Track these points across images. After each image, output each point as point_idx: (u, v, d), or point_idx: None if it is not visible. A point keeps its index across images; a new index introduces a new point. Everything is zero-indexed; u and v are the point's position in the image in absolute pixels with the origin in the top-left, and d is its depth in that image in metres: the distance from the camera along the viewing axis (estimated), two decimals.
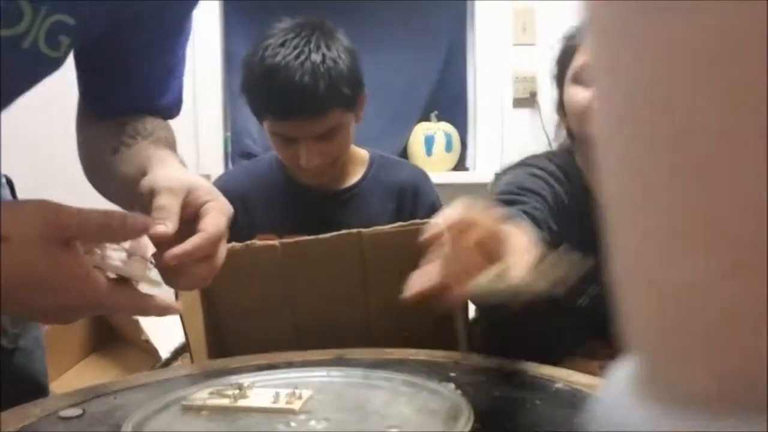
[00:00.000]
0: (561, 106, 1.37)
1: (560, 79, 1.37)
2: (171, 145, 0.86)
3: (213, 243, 0.71)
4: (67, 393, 0.83)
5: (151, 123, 0.87)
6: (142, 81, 0.87)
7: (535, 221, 1.16)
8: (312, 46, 1.29)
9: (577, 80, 1.32)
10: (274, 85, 1.28)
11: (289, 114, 1.30)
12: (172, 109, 0.92)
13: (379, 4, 2.65)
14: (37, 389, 0.94)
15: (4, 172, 0.98)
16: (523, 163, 1.33)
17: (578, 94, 1.31)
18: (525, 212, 1.16)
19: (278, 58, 1.28)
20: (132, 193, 0.75)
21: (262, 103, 1.33)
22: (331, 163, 1.38)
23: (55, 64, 0.75)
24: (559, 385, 0.78)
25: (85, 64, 0.86)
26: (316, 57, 1.28)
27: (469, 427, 0.63)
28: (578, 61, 1.31)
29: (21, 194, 0.97)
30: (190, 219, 0.72)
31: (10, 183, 0.98)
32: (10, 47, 0.69)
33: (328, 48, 1.30)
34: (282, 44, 1.29)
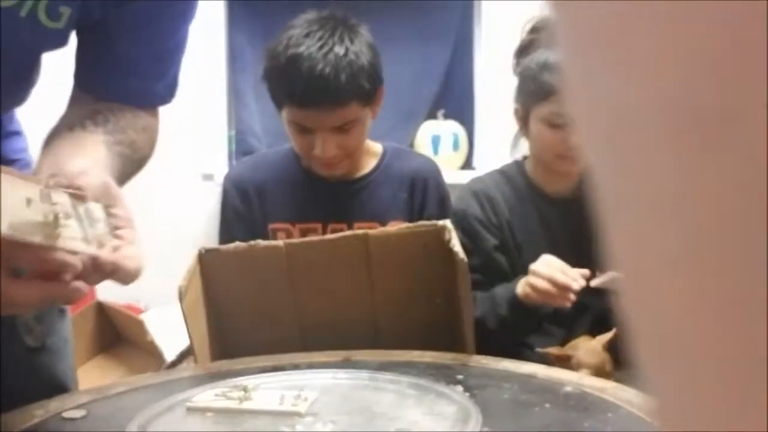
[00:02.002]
0: (525, 126, 1.51)
1: (524, 105, 1.50)
2: (135, 150, 0.83)
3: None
4: (71, 394, 0.83)
5: (128, 119, 0.84)
6: (133, 65, 0.85)
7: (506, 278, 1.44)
8: (336, 38, 1.31)
9: (546, 122, 1.45)
10: (296, 73, 1.30)
11: (309, 103, 1.32)
12: (165, 96, 0.90)
13: (386, 2, 2.64)
14: (62, 391, 0.92)
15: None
16: (456, 214, 1.48)
17: (547, 136, 1.45)
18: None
19: (302, 48, 1.30)
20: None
21: (284, 90, 1.35)
22: (346, 156, 1.39)
23: (58, 36, 0.75)
24: (568, 388, 0.77)
25: (80, 46, 0.85)
26: (339, 49, 1.30)
27: (477, 430, 0.62)
28: (548, 107, 1.42)
29: None
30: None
31: None
32: (8, 17, 0.70)
33: (351, 42, 1.32)
34: (306, 35, 1.31)
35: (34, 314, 0.92)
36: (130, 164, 0.83)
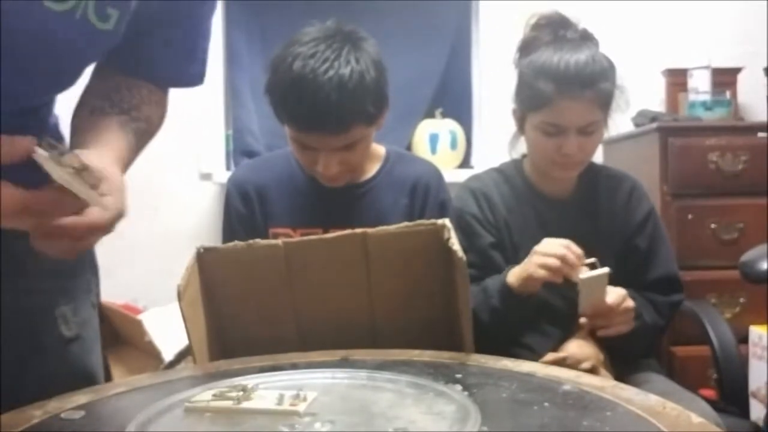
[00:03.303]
0: (522, 124, 1.53)
1: (520, 108, 1.52)
2: (150, 123, 0.93)
3: (87, 228, 0.72)
4: (69, 394, 0.83)
5: (143, 96, 0.92)
6: (169, 48, 0.93)
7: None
8: (342, 60, 1.28)
9: (540, 130, 1.46)
10: (299, 98, 1.28)
11: (311, 128, 1.31)
12: (197, 78, 0.99)
13: (384, 2, 2.64)
14: (91, 382, 0.94)
15: None
16: (458, 214, 1.51)
17: (541, 143, 1.47)
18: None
19: (307, 70, 1.27)
20: None
21: (287, 113, 1.33)
22: (348, 170, 1.39)
23: (108, 36, 0.80)
24: (567, 387, 0.77)
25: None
26: (345, 71, 1.27)
27: (476, 429, 0.62)
28: (542, 116, 1.42)
29: None
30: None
31: None
32: (65, 20, 0.75)
33: (357, 61, 1.29)
34: (312, 55, 1.28)
35: (72, 306, 0.95)
36: (146, 136, 0.93)
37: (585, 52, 1.42)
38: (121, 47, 0.87)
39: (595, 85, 1.41)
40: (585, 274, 1.31)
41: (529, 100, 1.46)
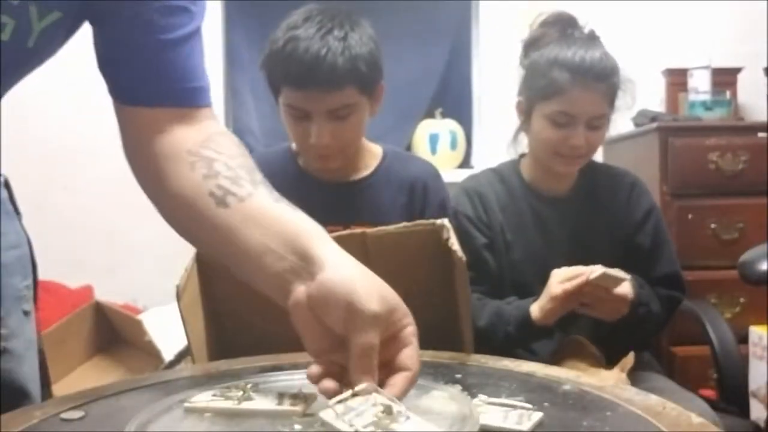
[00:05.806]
0: (527, 120, 1.53)
1: (529, 99, 1.51)
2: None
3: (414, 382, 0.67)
4: (69, 395, 0.82)
5: (234, 157, 0.83)
6: (167, 67, 0.86)
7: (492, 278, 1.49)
8: (336, 23, 1.32)
9: (549, 120, 1.44)
10: (293, 53, 1.31)
11: (305, 83, 1.32)
12: (206, 93, 0.90)
13: (384, 2, 2.64)
14: (23, 396, 0.90)
15: (4, 171, 0.96)
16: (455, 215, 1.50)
17: (548, 134, 1.47)
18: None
19: (300, 31, 1.31)
20: (274, 272, 0.75)
21: (281, 71, 1.35)
22: (341, 148, 1.38)
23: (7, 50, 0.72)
24: (567, 387, 0.77)
25: (105, 59, 0.84)
26: (339, 33, 1.31)
27: (476, 429, 0.62)
28: (554, 105, 1.42)
29: (19, 196, 0.96)
30: (382, 340, 0.66)
31: (7, 184, 0.95)
32: None
33: (352, 29, 1.33)
34: (306, 19, 1.33)
35: None
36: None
37: (597, 50, 1.45)
38: (110, 76, 0.80)
39: (607, 79, 1.44)
40: (611, 271, 1.30)
41: (541, 90, 1.47)
